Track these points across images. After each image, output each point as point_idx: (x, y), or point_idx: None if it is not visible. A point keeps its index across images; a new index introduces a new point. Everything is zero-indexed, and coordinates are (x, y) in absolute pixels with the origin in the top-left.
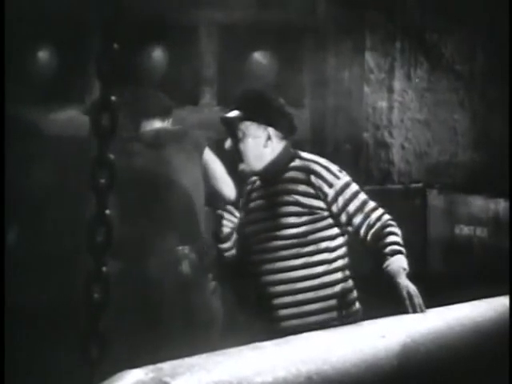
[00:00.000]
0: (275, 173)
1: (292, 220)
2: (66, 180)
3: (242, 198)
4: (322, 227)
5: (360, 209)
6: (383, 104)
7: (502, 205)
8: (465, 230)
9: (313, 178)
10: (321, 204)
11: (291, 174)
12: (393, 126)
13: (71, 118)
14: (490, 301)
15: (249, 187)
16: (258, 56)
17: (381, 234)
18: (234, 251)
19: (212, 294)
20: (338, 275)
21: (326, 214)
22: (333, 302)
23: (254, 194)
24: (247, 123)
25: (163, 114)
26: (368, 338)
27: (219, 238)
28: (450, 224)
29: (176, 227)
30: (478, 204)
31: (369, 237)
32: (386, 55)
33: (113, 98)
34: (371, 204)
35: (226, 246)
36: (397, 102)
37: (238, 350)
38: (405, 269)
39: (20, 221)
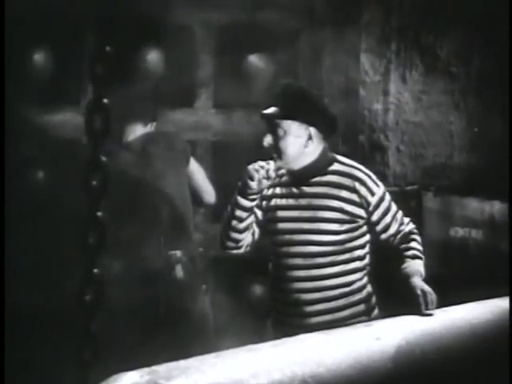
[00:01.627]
0: (314, 174)
1: (334, 227)
2: (61, 181)
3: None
4: (357, 236)
5: (394, 217)
6: (379, 106)
7: (497, 207)
8: (460, 232)
9: (357, 186)
10: (362, 213)
11: (333, 178)
12: (388, 128)
13: (67, 120)
14: (485, 303)
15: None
16: (254, 57)
17: (406, 239)
18: (247, 247)
19: (204, 296)
20: (364, 281)
21: (362, 222)
22: (362, 306)
23: (282, 191)
24: (289, 121)
25: (147, 118)
26: (363, 340)
27: (237, 227)
28: (446, 226)
29: (167, 232)
30: (474, 206)
31: (396, 241)
32: (381, 57)
33: (105, 100)
34: (400, 212)
35: (241, 236)
36: (392, 104)
37: (234, 352)
38: (422, 274)
39: (15, 222)
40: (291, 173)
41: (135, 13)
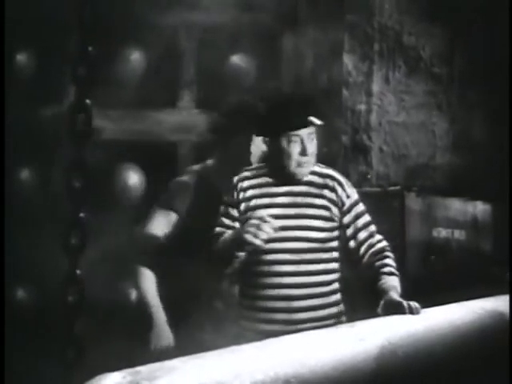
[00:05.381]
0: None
1: (320, 224)
2: (43, 182)
3: (236, 193)
4: (335, 237)
5: (366, 226)
6: (362, 107)
7: (479, 207)
8: (443, 232)
9: (336, 185)
10: (338, 213)
11: (313, 178)
12: (371, 128)
13: (50, 120)
14: (468, 303)
15: (245, 183)
16: (237, 58)
17: (380, 255)
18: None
19: None
20: (337, 285)
21: (337, 224)
22: (335, 309)
23: (262, 191)
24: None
25: None
26: (346, 341)
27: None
28: (428, 227)
29: None
30: (456, 207)
31: (367, 255)
32: (364, 58)
33: (88, 101)
34: (374, 226)
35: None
36: (375, 104)
37: (217, 353)
38: (398, 291)
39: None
40: (272, 173)
41: (118, 14)
